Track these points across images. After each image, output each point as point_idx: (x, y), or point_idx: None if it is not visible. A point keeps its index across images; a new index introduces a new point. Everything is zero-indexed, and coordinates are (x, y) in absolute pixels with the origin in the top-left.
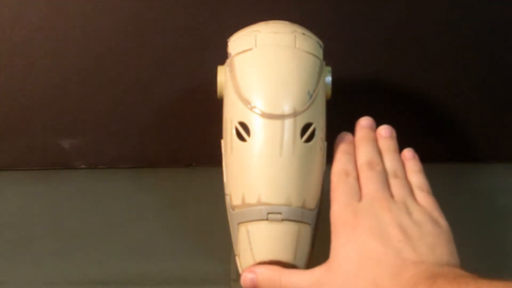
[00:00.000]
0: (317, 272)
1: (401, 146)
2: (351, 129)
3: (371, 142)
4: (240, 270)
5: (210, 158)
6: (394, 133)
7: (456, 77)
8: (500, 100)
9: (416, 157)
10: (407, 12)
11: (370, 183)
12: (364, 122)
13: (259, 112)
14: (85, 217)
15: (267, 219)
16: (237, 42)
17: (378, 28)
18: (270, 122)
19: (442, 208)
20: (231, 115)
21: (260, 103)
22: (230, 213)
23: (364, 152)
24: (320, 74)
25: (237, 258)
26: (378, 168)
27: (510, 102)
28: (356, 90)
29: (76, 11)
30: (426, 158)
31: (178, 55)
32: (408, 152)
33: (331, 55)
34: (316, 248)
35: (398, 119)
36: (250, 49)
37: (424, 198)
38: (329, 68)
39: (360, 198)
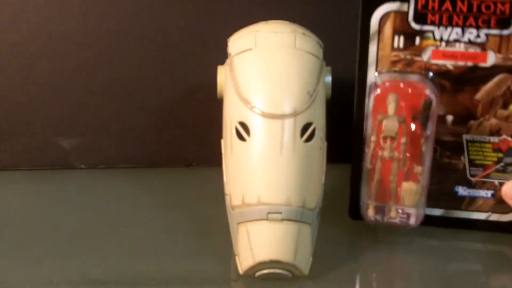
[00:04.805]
0: None
1: None
2: (351, 129)
3: None
4: (240, 270)
5: (210, 158)
6: None
7: None
8: None
9: None
10: None
11: None
12: None
13: (259, 112)
14: (85, 217)
15: (267, 219)
16: (237, 42)
17: None
18: (270, 122)
19: None
20: (231, 115)
21: (260, 103)
22: (230, 213)
23: None
24: (320, 74)
25: (237, 258)
26: None
27: None
28: None
29: (76, 10)
30: None
31: (178, 55)
32: None
33: (331, 55)
34: (316, 248)
35: None
36: (250, 49)
37: None
38: (329, 68)
39: None
